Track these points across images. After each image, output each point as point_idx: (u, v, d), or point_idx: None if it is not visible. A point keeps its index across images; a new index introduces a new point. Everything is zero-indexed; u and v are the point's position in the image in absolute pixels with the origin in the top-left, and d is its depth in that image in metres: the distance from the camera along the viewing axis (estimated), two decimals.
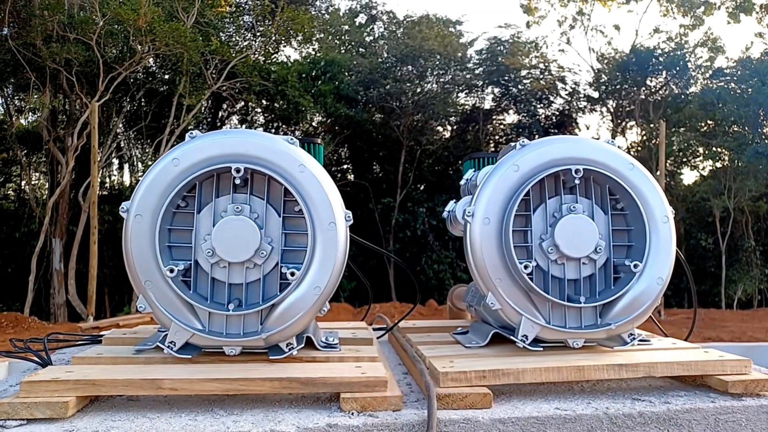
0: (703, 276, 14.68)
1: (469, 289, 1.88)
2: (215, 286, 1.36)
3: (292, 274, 1.31)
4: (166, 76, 15.04)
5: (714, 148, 15.00)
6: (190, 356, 1.33)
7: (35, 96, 13.75)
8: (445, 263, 14.81)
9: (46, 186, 15.53)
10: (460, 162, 16.76)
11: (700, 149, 15.81)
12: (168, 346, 1.32)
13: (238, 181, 1.34)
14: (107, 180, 16.62)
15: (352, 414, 1.16)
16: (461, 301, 2.22)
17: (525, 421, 1.16)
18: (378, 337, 1.98)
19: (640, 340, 1.48)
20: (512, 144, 1.53)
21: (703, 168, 16.39)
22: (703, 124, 15.63)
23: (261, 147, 1.35)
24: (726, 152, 15.05)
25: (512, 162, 1.44)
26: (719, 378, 1.31)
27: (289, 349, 1.35)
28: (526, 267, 1.37)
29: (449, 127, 17.58)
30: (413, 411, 1.18)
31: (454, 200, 1.78)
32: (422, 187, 16.23)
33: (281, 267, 1.34)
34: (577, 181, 1.42)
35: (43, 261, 13.48)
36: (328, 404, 1.23)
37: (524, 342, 1.39)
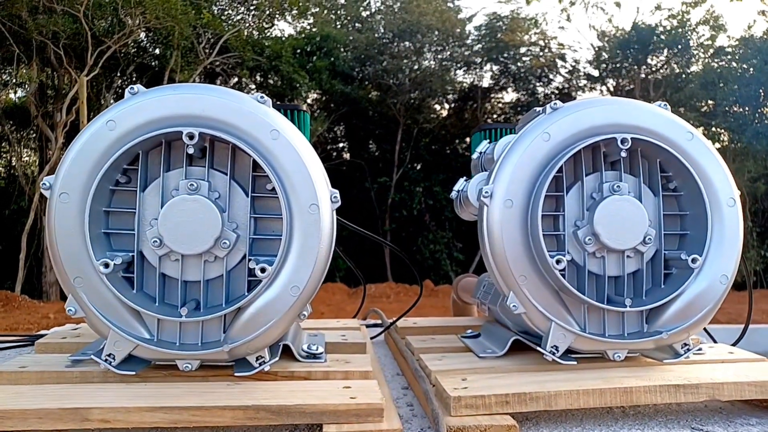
0: None
1: (480, 282, 1.60)
2: (166, 284, 1.07)
3: (263, 270, 1.03)
4: (157, 51, 14.57)
5: (714, 129, 14.73)
6: (134, 372, 1.05)
7: (23, 70, 13.29)
8: (441, 243, 14.59)
9: (36, 163, 15.17)
10: (457, 141, 16.42)
11: (700, 129, 15.56)
12: (105, 360, 1.04)
13: (192, 151, 1.04)
14: None
15: None
16: (468, 294, 1.95)
17: None
18: (373, 338, 1.72)
19: (696, 352, 1.21)
20: (537, 109, 1.23)
21: None
22: (703, 104, 15.34)
23: (222, 107, 1.05)
24: (725, 133, 14.80)
25: (542, 129, 1.14)
26: None
27: (260, 364, 1.08)
28: (558, 261, 1.09)
29: (447, 105, 17.20)
30: None
31: (465, 178, 1.49)
32: (419, 167, 15.92)
33: (249, 261, 1.05)
34: (623, 154, 1.13)
35: (35, 239, 13.19)
36: None
37: (554, 354, 1.12)
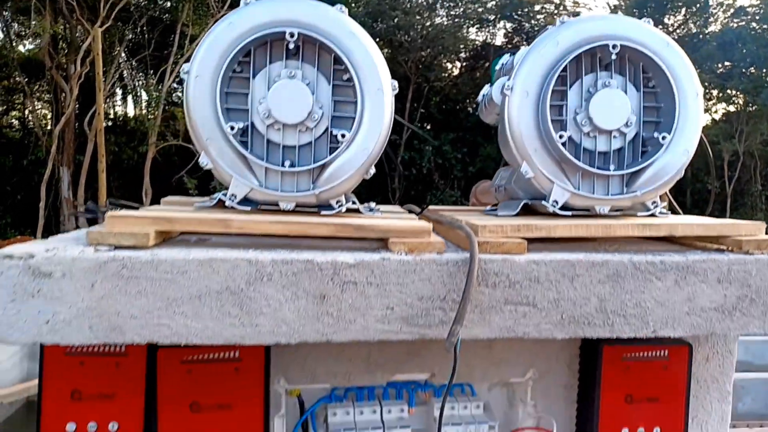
0: None
1: (496, 175, 1.98)
2: (269, 147, 1.46)
3: (343, 135, 1.40)
4: (168, 4, 14.63)
5: (729, 90, 14.76)
6: (248, 208, 1.44)
7: (35, 21, 13.43)
8: (449, 202, 14.96)
9: (50, 115, 15.49)
10: (468, 100, 16.58)
11: (714, 92, 15.55)
12: (230, 198, 1.43)
13: (291, 46, 1.40)
14: (111, 111, 16.51)
15: (401, 254, 1.28)
16: (485, 196, 2.33)
17: (557, 263, 1.29)
18: None
19: (661, 212, 1.59)
20: (548, 27, 1.58)
21: (716, 111, 16.19)
22: (719, 66, 15.29)
23: (313, 14, 1.41)
24: (741, 95, 14.83)
25: (553, 38, 1.50)
26: (735, 238, 1.42)
27: (339, 206, 1.47)
28: (561, 137, 1.46)
29: (458, 64, 17.28)
30: (455, 254, 1.31)
31: (489, 84, 1.85)
32: (429, 126, 16.14)
33: (331, 130, 1.43)
34: (613, 57, 1.48)
35: (52, 189, 13.66)
36: (377, 249, 1.36)
37: (555, 207, 1.51)
